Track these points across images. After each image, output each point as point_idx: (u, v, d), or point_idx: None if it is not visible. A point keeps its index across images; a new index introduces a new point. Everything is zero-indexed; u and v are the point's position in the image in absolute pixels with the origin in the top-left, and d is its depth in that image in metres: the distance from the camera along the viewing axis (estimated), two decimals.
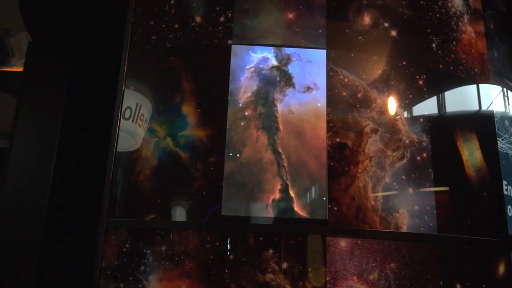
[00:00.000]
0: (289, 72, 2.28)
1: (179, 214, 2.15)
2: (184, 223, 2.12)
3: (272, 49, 2.28)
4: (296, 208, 2.08)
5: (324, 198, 2.09)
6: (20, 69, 3.37)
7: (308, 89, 2.25)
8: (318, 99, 2.23)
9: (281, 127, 2.19)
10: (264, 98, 2.23)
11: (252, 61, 2.28)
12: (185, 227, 2.10)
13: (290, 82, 2.27)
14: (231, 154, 2.15)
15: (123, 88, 2.31)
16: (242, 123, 2.18)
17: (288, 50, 2.28)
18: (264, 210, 2.07)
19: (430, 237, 2.13)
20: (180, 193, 2.15)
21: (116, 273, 2.09)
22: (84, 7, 2.51)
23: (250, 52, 2.26)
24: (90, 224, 2.21)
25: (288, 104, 2.22)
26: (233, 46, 2.28)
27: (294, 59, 2.29)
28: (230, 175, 2.11)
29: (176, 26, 2.36)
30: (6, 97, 3.90)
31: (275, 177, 2.11)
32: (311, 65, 2.28)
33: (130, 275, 2.06)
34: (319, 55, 2.29)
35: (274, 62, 2.28)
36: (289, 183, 2.11)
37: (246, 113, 2.20)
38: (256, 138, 2.17)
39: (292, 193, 2.10)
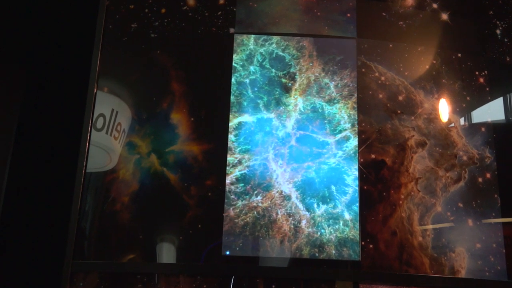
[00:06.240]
0: None
1: (167, 254, 2.12)
2: (173, 266, 2.11)
3: None
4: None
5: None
6: None
7: None
8: None
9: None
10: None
11: None
12: (174, 271, 2.10)
13: None
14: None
15: (95, 91, 2.27)
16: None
17: None
18: (277, 248, 2.08)
19: (497, 285, 2.11)
20: (168, 227, 2.13)
21: None
22: None
23: None
24: (51, 267, 2.17)
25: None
26: (236, 36, 2.30)
27: None
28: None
29: (163, 11, 2.37)
30: None
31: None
32: None
33: None
34: None
35: None
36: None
37: None
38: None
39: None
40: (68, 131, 2.30)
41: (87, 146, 2.20)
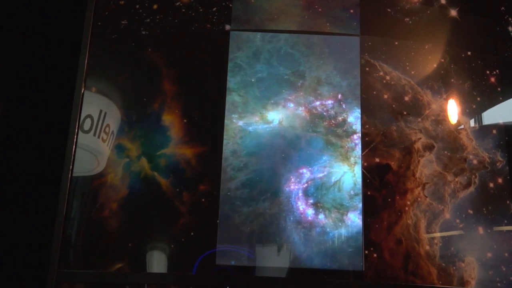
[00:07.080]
0: None
1: (157, 263, 2.11)
2: (164, 276, 2.10)
3: None
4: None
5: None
6: None
7: None
8: None
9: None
10: None
11: None
12: (165, 281, 2.09)
13: None
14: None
15: (82, 91, 2.28)
16: None
17: None
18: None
19: None
20: (159, 234, 2.12)
21: None
22: None
23: None
24: (35, 276, 2.17)
25: None
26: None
27: None
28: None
29: (155, 7, 2.37)
30: None
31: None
32: None
33: None
34: None
35: None
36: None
37: None
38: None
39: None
40: (54, 133, 2.30)
41: (73, 148, 2.20)
